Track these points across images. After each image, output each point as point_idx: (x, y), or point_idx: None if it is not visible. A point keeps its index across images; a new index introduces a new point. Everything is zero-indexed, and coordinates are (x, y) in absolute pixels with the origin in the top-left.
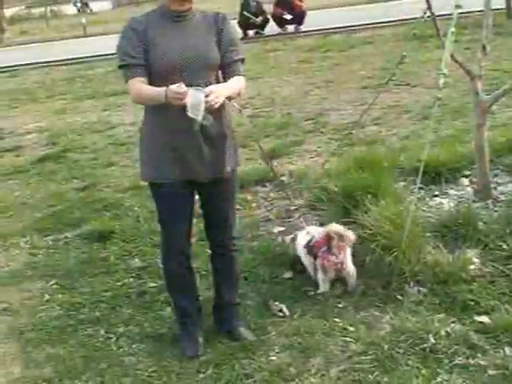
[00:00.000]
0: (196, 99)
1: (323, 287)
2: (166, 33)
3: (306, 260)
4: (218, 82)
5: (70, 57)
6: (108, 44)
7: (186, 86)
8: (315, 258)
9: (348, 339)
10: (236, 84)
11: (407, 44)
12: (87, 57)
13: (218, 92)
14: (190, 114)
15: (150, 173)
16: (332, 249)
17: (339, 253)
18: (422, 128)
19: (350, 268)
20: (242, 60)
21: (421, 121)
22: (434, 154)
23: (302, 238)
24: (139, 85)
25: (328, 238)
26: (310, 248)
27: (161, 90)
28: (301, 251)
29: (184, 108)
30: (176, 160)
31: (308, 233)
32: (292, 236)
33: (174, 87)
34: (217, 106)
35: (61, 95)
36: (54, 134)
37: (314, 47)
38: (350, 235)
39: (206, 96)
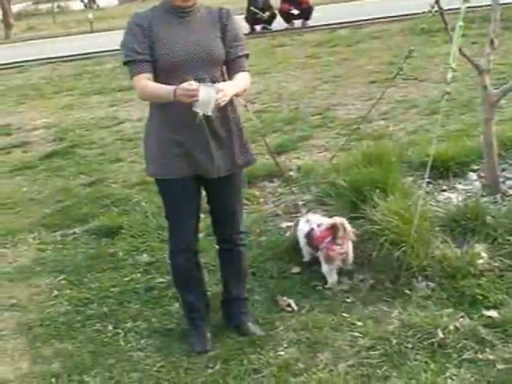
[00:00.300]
0: (207, 95)
1: (331, 279)
2: (171, 29)
3: (305, 250)
4: (223, 78)
5: (77, 52)
6: (115, 40)
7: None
8: (315, 250)
9: (356, 334)
10: (242, 81)
11: (415, 38)
12: (94, 52)
13: (226, 90)
14: (199, 110)
15: (157, 169)
16: (337, 239)
17: (343, 243)
18: (430, 122)
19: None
20: (247, 55)
21: (429, 115)
22: (442, 148)
23: (302, 225)
24: (145, 81)
25: (334, 229)
26: (310, 239)
27: (169, 88)
28: (301, 240)
29: (191, 103)
30: (183, 156)
31: (308, 220)
32: (295, 221)
33: (184, 85)
34: (223, 104)
35: (68, 91)
36: (61, 130)
37: (321, 42)
38: (352, 231)
39: (217, 92)
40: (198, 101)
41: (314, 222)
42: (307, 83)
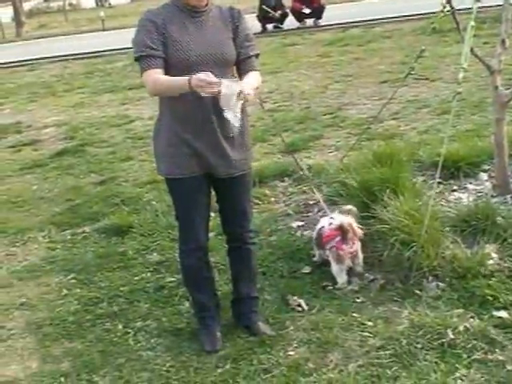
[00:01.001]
0: (229, 90)
1: (341, 279)
2: (184, 28)
3: (314, 248)
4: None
5: (89, 50)
6: (126, 38)
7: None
8: (323, 249)
9: (366, 334)
10: (255, 79)
11: (426, 38)
12: (105, 50)
13: (247, 88)
14: (221, 104)
15: (167, 168)
16: (347, 240)
17: (353, 243)
18: (441, 122)
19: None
20: (257, 55)
21: (440, 115)
22: (452, 148)
23: (322, 223)
24: (156, 75)
25: (342, 230)
26: (319, 238)
27: (182, 78)
28: (313, 235)
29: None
30: (192, 155)
31: (332, 218)
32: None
33: (201, 75)
34: (251, 97)
35: (79, 89)
36: (72, 128)
37: (332, 41)
38: (359, 230)
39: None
40: (220, 95)
41: (332, 220)
42: (318, 82)
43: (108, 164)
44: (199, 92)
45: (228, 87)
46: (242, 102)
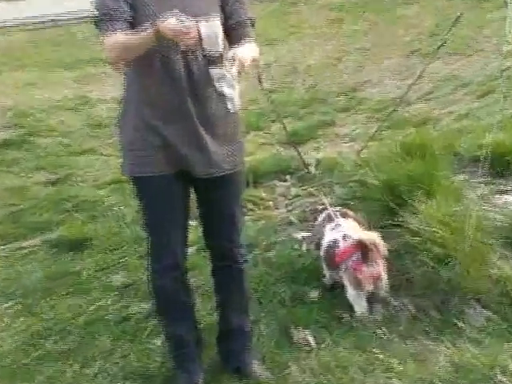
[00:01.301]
0: (211, 30)
1: (359, 307)
2: None
3: (324, 267)
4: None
5: (39, 16)
6: (87, 2)
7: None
8: (336, 269)
9: (392, 376)
10: (250, 49)
11: (461, 2)
12: (60, 17)
13: (245, 53)
14: (206, 47)
15: (131, 165)
16: (368, 261)
17: (375, 263)
18: (484, 105)
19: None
20: (252, 22)
21: (481, 97)
22: (499, 138)
23: (328, 234)
24: (116, 36)
25: (363, 248)
26: (330, 255)
27: (145, 29)
28: (321, 253)
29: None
30: (161, 146)
31: (338, 225)
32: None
33: (171, 21)
34: (247, 63)
35: (27, 64)
36: (17, 114)
37: (345, 5)
38: (383, 246)
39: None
40: (201, 38)
41: (341, 230)
42: (329, 55)
43: (61, 159)
44: (177, 43)
45: (209, 26)
46: (238, 69)
